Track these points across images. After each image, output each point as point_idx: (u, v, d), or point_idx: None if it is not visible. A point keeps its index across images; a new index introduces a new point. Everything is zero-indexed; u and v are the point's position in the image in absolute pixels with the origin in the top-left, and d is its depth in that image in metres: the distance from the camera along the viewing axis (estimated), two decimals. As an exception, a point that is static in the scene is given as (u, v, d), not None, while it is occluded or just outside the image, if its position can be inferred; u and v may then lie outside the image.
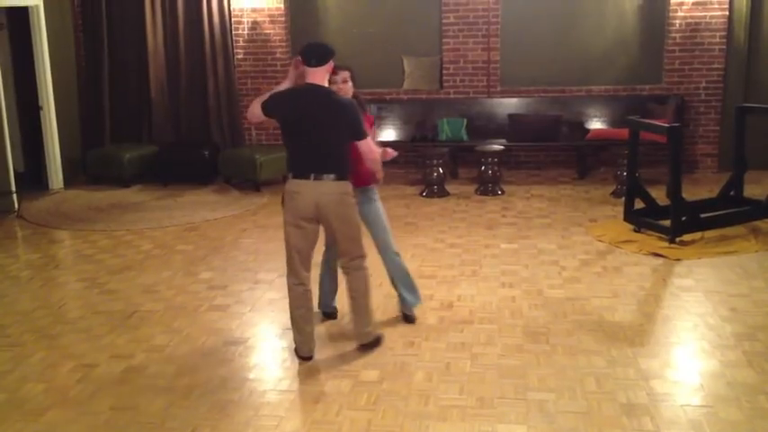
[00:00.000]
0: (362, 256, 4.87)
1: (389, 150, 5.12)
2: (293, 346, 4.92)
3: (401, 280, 5.33)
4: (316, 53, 4.61)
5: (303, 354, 4.85)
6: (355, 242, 4.82)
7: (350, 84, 4.98)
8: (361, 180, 4.98)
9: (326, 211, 4.67)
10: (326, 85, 4.71)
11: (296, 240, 4.74)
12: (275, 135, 10.51)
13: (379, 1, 10.19)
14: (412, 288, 5.38)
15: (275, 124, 10.62)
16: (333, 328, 5.34)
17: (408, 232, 7.49)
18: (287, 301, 5.79)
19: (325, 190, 4.63)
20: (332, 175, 4.62)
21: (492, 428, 4.00)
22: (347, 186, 4.70)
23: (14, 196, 8.77)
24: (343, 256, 4.88)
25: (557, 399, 4.27)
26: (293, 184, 4.68)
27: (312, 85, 4.64)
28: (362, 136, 4.67)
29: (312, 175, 4.61)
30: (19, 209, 8.72)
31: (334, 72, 4.84)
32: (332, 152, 4.65)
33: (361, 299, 4.92)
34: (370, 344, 4.97)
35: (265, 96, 4.75)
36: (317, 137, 4.61)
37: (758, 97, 9.50)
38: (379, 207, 5.24)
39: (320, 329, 5.29)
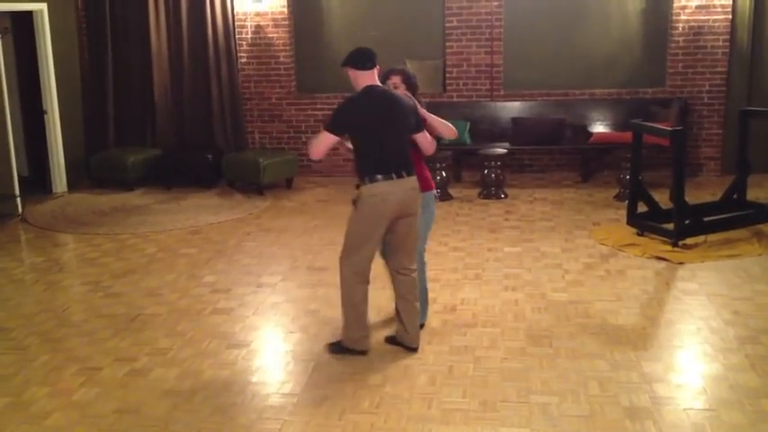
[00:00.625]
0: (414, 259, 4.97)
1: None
2: (341, 343, 4.96)
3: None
4: (368, 57, 4.79)
5: (365, 347, 4.92)
6: (416, 243, 4.92)
7: (402, 88, 4.99)
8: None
9: (408, 208, 4.74)
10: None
11: (375, 243, 4.78)
12: (278, 139, 10.55)
13: (382, 4, 10.21)
14: (423, 306, 5.28)
15: (278, 128, 10.60)
16: (336, 331, 5.33)
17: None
18: (290, 304, 5.85)
19: (407, 186, 4.72)
20: (407, 171, 4.73)
21: (495, 432, 4.01)
22: (417, 181, 4.82)
23: (18, 200, 8.80)
24: (405, 258, 4.89)
25: (560, 402, 4.27)
26: (380, 187, 4.66)
27: (373, 86, 4.77)
28: (422, 128, 4.88)
29: (394, 174, 4.67)
30: (23, 212, 8.75)
31: (386, 77, 4.99)
32: (404, 149, 4.79)
33: (416, 301, 4.98)
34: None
35: (327, 126, 4.73)
36: (391, 136, 4.71)
37: (761, 101, 9.49)
38: (427, 218, 5.09)
39: (321, 331, 5.29)
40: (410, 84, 5.05)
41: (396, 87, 4.96)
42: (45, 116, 9.71)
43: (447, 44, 10.08)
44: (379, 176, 4.66)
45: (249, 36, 10.31)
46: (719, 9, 9.51)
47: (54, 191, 9.85)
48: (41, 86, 9.64)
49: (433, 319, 5.43)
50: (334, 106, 4.86)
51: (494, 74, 10.05)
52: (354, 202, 4.76)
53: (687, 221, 6.94)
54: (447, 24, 10.03)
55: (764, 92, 9.66)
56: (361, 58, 4.78)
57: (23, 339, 5.36)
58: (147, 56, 10.38)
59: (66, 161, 9.94)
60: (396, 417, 4.17)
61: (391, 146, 4.72)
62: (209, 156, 10.00)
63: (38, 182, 9.95)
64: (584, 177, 9.80)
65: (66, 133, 9.93)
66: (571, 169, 10.09)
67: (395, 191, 4.67)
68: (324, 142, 4.73)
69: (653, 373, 4.58)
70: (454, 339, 5.13)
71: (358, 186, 4.76)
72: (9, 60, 9.82)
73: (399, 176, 4.69)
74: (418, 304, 5.01)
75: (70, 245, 7.81)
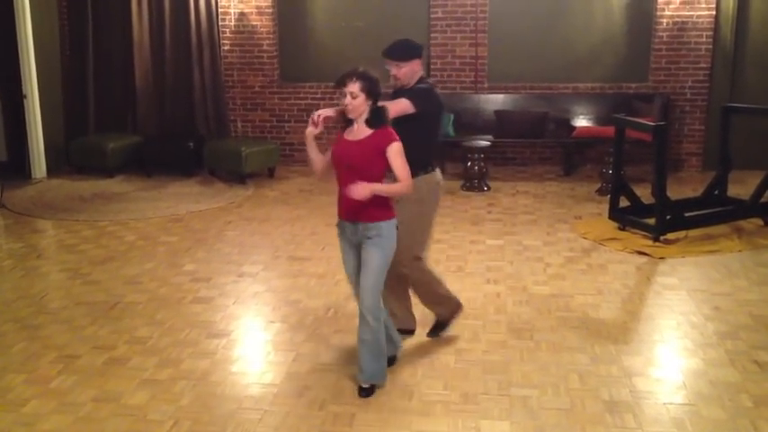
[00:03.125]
0: None
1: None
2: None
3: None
4: None
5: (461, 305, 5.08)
6: None
7: (361, 98, 4.10)
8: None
9: None
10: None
11: None
12: (261, 127, 10.49)
13: (367, -6, 10.18)
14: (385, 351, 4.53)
15: (261, 116, 10.51)
16: (317, 322, 5.31)
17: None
18: (270, 293, 5.83)
19: None
20: None
21: (475, 424, 4.00)
22: None
23: (-4, 185, 8.70)
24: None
25: (540, 395, 4.28)
26: (438, 174, 4.72)
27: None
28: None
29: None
30: (1, 198, 8.63)
31: (343, 82, 4.12)
32: None
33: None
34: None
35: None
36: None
37: (744, 97, 9.54)
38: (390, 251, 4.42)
39: (302, 321, 5.27)
40: (373, 92, 4.15)
41: (354, 98, 4.07)
42: (24, 101, 9.59)
43: (431, 35, 10.05)
44: (435, 164, 4.69)
45: (232, 23, 10.24)
46: (703, 5, 9.54)
47: (33, 176, 9.74)
48: (21, 71, 9.52)
49: (415, 311, 5.38)
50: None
51: (478, 66, 10.04)
52: (419, 199, 4.56)
53: (668, 217, 6.97)
54: (432, 16, 10.00)
55: (747, 88, 9.71)
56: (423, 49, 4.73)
57: (0, 326, 5.29)
58: (128, 41, 10.28)
59: (45, 146, 9.82)
60: (376, 408, 4.16)
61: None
62: (191, 144, 9.93)
63: (16, 167, 9.82)
64: (567, 171, 9.83)
65: (46, 118, 9.82)
66: (554, 163, 10.11)
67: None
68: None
69: (633, 367, 4.59)
70: (435, 331, 5.12)
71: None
72: (-12, 44, 9.71)
73: None
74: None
75: (49, 231, 7.73)
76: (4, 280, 6.26)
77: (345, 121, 4.20)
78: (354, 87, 4.04)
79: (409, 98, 4.49)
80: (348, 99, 4.05)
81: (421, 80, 4.67)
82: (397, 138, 4.13)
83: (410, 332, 5.03)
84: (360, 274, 4.21)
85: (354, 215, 4.14)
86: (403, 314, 5.01)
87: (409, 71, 4.59)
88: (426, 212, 4.70)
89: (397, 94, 4.68)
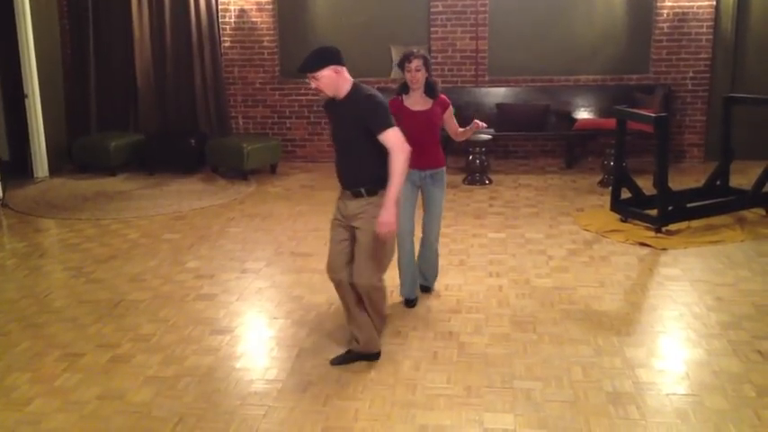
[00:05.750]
0: None
1: None
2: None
3: None
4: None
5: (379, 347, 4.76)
6: None
7: (422, 72, 5.17)
8: None
9: None
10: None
11: None
12: (262, 124, 10.50)
13: (366, -11, 10.17)
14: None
15: (262, 113, 10.50)
16: (320, 317, 5.32)
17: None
18: (274, 289, 5.84)
19: None
20: None
21: (479, 417, 4.00)
22: None
23: (-1, 184, 8.72)
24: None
25: (543, 387, 4.28)
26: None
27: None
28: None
29: None
30: (3, 197, 8.66)
31: (406, 60, 5.19)
32: None
33: None
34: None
35: (391, 122, 4.31)
36: None
37: (745, 87, 9.53)
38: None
39: (305, 317, 5.29)
40: (429, 67, 5.19)
41: (418, 71, 5.09)
42: (26, 100, 9.60)
43: (432, 29, 10.05)
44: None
45: (233, 20, 10.24)
46: (704, -4, 9.53)
47: (35, 176, 9.76)
48: (22, 70, 9.53)
49: (417, 305, 5.43)
50: (379, 104, 4.29)
51: (479, 59, 10.03)
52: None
53: (670, 208, 6.97)
54: (432, 9, 10.00)
55: (748, 79, 9.70)
56: (340, 54, 4.34)
57: (5, 325, 5.31)
58: (129, 40, 10.29)
59: (47, 146, 9.84)
60: (380, 402, 4.17)
61: None
62: (193, 141, 9.94)
63: (19, 166, 9.85)
64: (569, 163, 9.83)
65: (48, 117, 9.83)
66: (555, 155, 10.11)
67: None
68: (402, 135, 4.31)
69: (636, 358, 4.60)
70: (439, 325, 5.13)
71: (370, 194, 4.39)
72: (-11, 43, 9.72)
73: None
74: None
75: (52, 230, 7.74)
76: (8, 279, 6.28)
77: (403, 90, 5.24)
78: (419, 63, 5.08)
79: (389, 125, 4.26)
80: (414, 72, 5.08)
81: (356, 87, 4.37)
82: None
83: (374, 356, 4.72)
84: (412, 206, 5.29)
85: (427, 164, 5.21)
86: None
87: (329, 79, 4.30)
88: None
89: (341, 106, 4.40)
